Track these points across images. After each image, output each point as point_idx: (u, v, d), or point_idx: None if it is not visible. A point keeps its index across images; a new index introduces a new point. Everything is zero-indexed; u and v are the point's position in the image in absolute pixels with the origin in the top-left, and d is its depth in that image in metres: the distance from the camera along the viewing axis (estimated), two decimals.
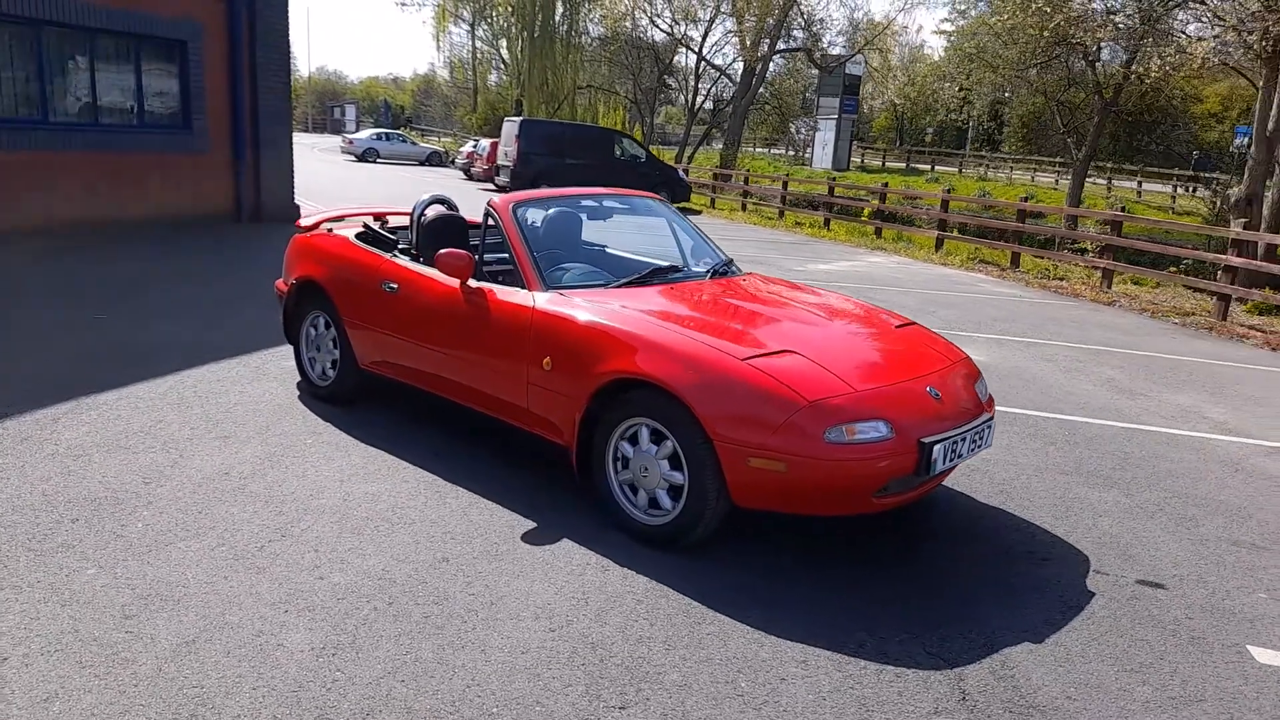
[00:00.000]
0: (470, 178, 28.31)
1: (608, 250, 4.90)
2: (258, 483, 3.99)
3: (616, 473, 3.68)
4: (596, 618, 3.04)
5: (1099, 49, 19.06)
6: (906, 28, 51.80)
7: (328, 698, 2.53)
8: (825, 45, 34.83)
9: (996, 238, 16.39)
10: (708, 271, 4.59)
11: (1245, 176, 14.80)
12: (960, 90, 22.77)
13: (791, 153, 44.05)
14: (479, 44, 49.71)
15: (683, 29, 36.44)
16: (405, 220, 5.31)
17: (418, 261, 4.67)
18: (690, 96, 37.30)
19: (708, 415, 3.29)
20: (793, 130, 45.22)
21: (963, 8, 22.65)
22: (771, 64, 33.92)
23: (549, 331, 3.82)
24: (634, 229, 5.10)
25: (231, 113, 12.62)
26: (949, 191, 17.05)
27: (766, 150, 48.40)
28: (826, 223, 19.21)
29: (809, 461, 3.20)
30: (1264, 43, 13.06)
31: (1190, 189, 28.40)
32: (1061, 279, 13.59)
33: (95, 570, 3.16)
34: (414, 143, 40.59)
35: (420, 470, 4.21)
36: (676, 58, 40.14)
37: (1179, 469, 5.03)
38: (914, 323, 4.36)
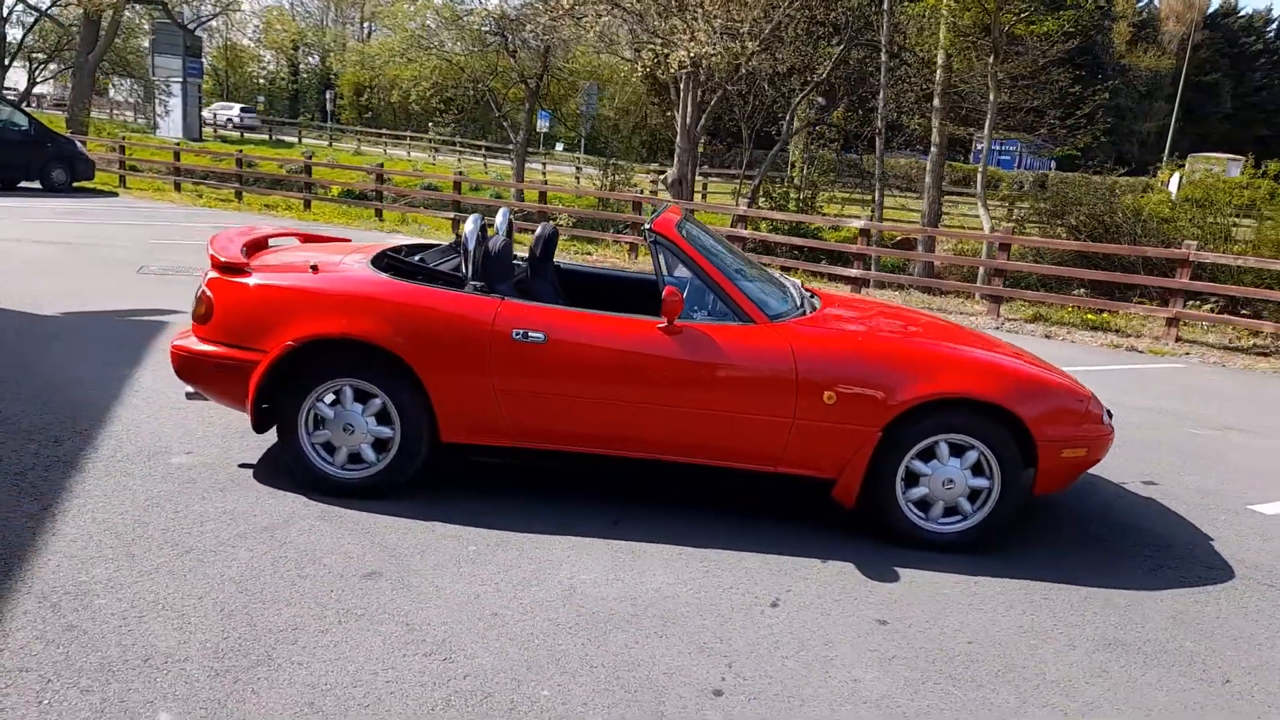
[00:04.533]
0: None
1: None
2: (562, 610, 3.05)
3: (904, 492, 3.80)
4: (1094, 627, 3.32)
5: (518, 43, 21.06)
6: None
7: None
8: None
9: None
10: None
11: (675, 162, 18.24)
12: (405, 71, 22.84)
13: (142, 120, 38.16)
14: None
15: None
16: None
17: (492, 295, 3.83)
18: None
19: (1032, 420, 3.69)
20: (118, 91, 39.24)
21: None
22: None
23: (830, 363, 3.69)
24: None
25: None
26: (461, 174, 17.39)
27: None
28: (308, 204, 17.83)
29: (1101, 441, 3.88)
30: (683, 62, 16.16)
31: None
32: (589, 253, 15.25)
33: None
34: None
35: (668, 546, 3.64)
36: None
37: None
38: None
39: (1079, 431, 3.81)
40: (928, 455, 3.78)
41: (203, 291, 3.89)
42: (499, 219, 4.68)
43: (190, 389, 4.07)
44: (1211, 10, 60.49)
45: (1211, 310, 12.17)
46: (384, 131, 40.35)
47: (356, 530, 3.54)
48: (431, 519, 3.70)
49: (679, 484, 4.26)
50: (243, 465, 4.09)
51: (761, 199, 22.57)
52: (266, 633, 2.78)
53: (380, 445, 3.84)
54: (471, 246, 3.97)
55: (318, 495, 3.81)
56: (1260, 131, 55.36)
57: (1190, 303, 11.31)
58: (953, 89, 16.54)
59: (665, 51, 14.75)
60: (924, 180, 16.74)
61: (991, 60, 14.74)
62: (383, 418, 3.81)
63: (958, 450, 3.77)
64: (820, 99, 22.40)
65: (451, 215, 16.60)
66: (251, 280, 3.83)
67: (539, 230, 4.81)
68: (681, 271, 4.01)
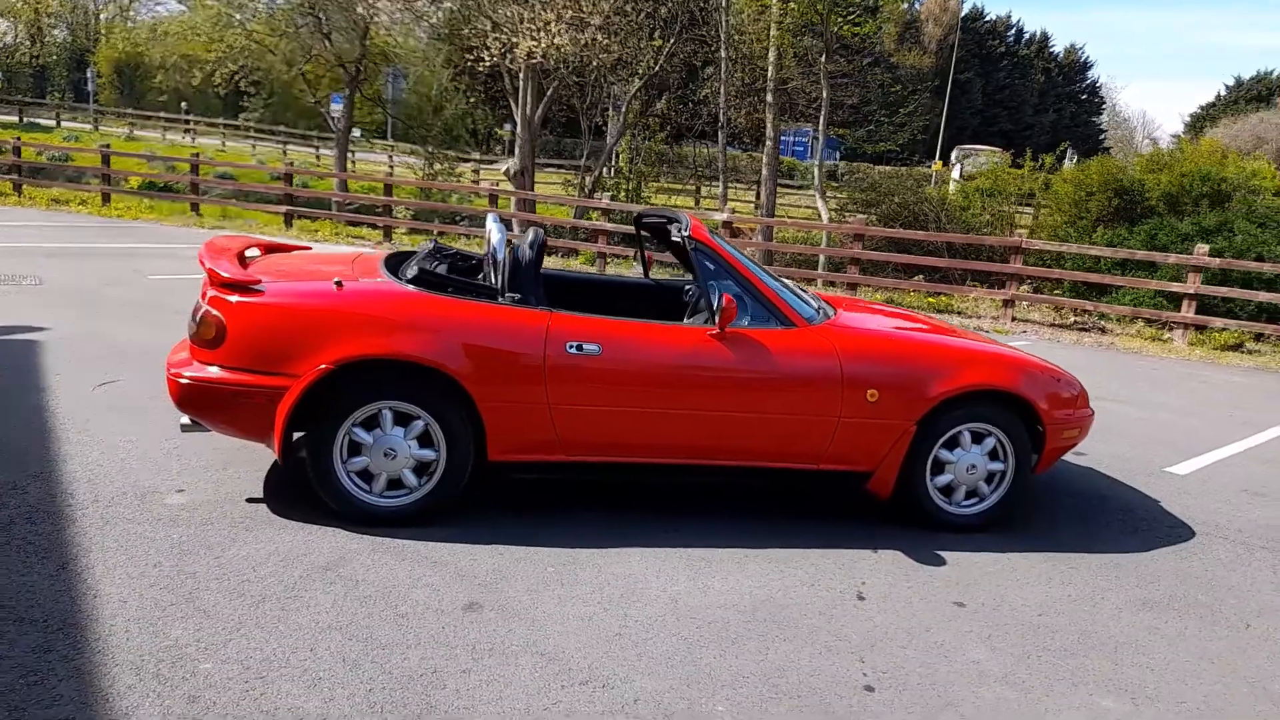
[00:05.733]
0: None
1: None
2: (678, 623, 3.04)
3: (931, 479, 4.05)
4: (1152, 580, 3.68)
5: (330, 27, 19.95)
6: None
7: None
8: None
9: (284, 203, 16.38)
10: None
11: (516, 153, 17.97)
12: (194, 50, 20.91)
13: None
14: None
15: None
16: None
17: (533, 307, 3.72)
18: None
19: (1043, 406, 4.04)
20: None
21: None
22: None
23: (872, 362, 3.85)
24: None
25: None
26: (292, 165, 16.16)
27: None
28: (106, 198, 16.02)
29: (1087, 423, 4.30)
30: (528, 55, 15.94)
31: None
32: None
33: None
34: None
35: (733, 549, 3.70)
36: None
37: None
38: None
39: (1075, 415, 4.21)
40: (952, 444, 4.04)
41: (206, 311, 3.50)
42: (490, 225, 4.49)
43: (186, 420, 3.65)
44: (963, 14, 66.81)
45: (1030, 292, 13.57)
46: (161, 115, 36.85)
47: (423, 560, 3.33)
48: (491, 541, 3.54)
49: (709, 487, 4.31)
50: (251, 500, 3.73)
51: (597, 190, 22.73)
52: (408, 680, 2.59)
53: (421, 469, 3.62)
54: (501, 256, 3.82)
55: (356, 526, 3.54)
56: (1005, 126, 62.01)
57: (1020, 285, 12.55)
58: (782, 85, 17.35)
59: (514, 41, 14.47)
60: (757, 172, 17.50)
61: (824, 59, 15.60)
62: (424, 440, 3.59)
63: (977, 437, 4.06)
64: (642, 91, 22.81)
65: (284, 210, 15.54)
66: (269, 299, 3.49)
67: (530, 236, 4.66)
68: (659, 276, 4.04)
